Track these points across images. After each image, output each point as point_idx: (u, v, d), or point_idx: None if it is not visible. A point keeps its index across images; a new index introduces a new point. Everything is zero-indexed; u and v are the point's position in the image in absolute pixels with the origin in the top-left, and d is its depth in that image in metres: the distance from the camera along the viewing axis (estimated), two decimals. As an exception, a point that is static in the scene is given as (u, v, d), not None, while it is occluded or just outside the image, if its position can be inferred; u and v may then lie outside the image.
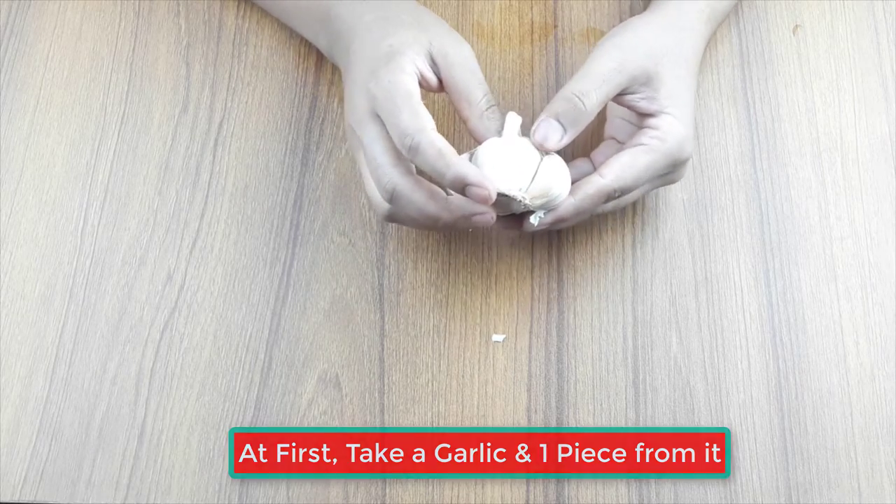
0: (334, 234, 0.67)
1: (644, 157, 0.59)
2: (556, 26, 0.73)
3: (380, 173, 0.57)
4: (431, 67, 0.60)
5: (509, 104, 0.70)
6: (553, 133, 0.58)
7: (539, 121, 0.58)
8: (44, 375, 0.63)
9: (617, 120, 0.64)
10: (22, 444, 0.62)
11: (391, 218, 0.59)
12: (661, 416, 0.62)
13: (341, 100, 0.70)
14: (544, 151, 0.59)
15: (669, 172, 0.61)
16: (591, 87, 0.58)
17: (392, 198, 0.57)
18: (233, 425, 0.62)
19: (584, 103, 0.58)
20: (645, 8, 0.72)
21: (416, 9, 0.64)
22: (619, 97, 0.60)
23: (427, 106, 0.56)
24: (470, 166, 0.55)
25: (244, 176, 0.68)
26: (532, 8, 0.74)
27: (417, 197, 0.56)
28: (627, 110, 0.62)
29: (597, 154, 0.64)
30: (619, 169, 0.58)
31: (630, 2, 0.73)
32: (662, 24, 0.63)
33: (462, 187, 0.54)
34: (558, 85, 0.71)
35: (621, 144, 0.63)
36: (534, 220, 0.59)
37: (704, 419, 0.62)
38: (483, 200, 0.54)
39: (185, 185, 0.68)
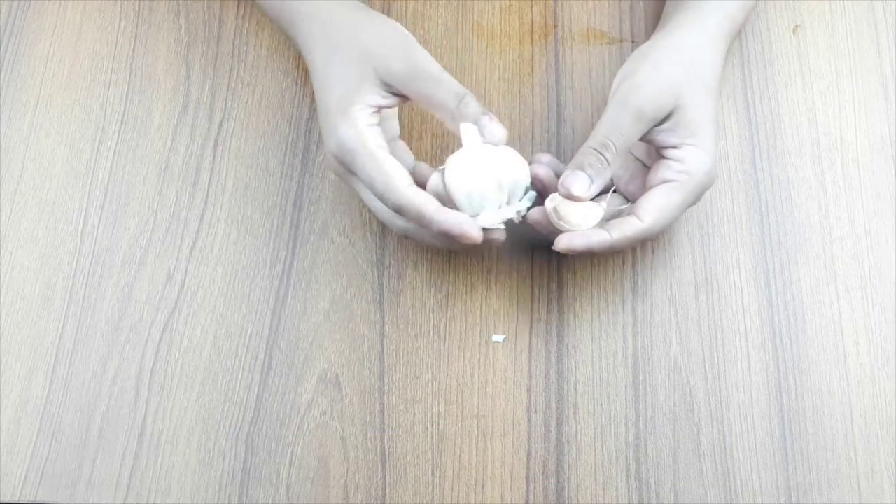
0: (334, 234, 0.67)
1: (677, 195, 0.59)
2: (556, 26, 0.73)
3: (388, 223, 0.61)
4: (388, 90, 0.60)
5: (509, 104, 0.70)
6: (580, 183, 0.58)
7: (565, 174, 0.58)
8: (44, 375, 0.63)
9: None
10: (22, 444, 0.62)
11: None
12: (661, 416, 0.62)
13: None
14: (501, 145, 0.60)
15: (696, 200, 0.62)
16: (610, 141, 0.58)
17: (408, 237, 0.61)
18: (233, 425, 0.62)
19: (605, 157, 0.58)
20: (645, 9, 0.73)
21: (355, 26, 0.62)
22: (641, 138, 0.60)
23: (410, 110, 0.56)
24: (449, 216, 0.57)
25: (244, 176, 0.68)
26: (532, 8, 0.74)
27: (427, 235, 0.60)
28: None
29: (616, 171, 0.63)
30: (656, 212, 0.58)
31: (630, 2, 0.73)
32: (681, 50, 0.62)
33: (449, 238, 0.58)
34: (558, 85, 0.71)
35: (637, 160, 0.64)
36: (516, 218, 0.60)
37: (704, 419, 0.62)
38: (473, 242, 0.57)
39: (185, 185, 0.68)
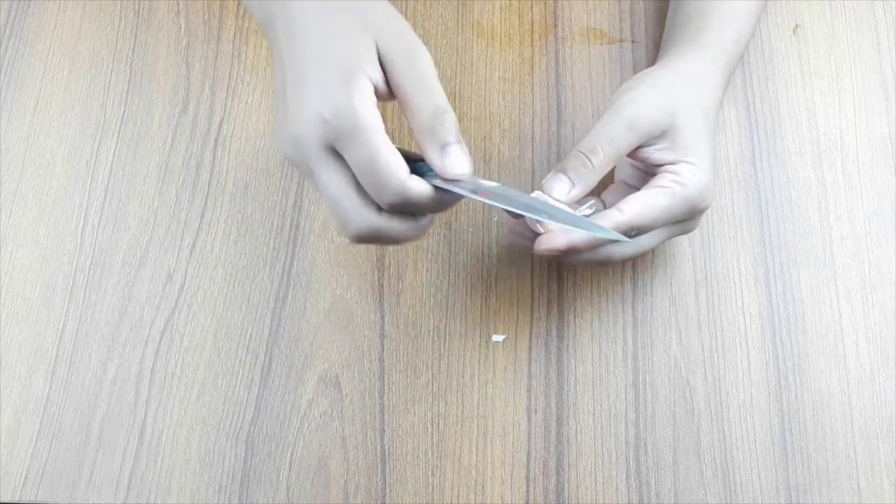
0: (334, 234, 0.67)
1: (664, 199, 0.57)
2: (556, 26, 0.73)
3: (350, 218, 0.51)
4: (381, 74, 0.52)
5: (509, 104, 0.70)
6: (561, 186, 0.57)
7: (547, 177, 0.58)
8: (44, 375, 0.63)
9: (628, 166, 0.63)
10: (22, 444, 0.62)
11: (361, 242, 0.53)
12: (661, 416, 0.62)
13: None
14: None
15: (686, 220, 0.59)
16: (599, 145, 0.57)
17: (370, 238, 0.52)
18: (233, 425, 0.62)
19: (591, 161, 0.57)
20: (646, 9, 0.73)
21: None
22: (634, 152, 0.58)
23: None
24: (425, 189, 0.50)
25: (244, 176, 0.68)
26: (532, 8, 0.74)
27: (400, 228, 0.52)
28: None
29: (607, 195, 0.63)
30: (637, 207, 0.56)
31: (630, 2, 0.73)
32: (680, 74, 0.61)
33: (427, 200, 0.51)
34: (558, 85, 0.71)
35: (631, 188, 0.62)
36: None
37: (704, 419, 0.62)
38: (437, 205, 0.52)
39: (185, 185, 0.68)
